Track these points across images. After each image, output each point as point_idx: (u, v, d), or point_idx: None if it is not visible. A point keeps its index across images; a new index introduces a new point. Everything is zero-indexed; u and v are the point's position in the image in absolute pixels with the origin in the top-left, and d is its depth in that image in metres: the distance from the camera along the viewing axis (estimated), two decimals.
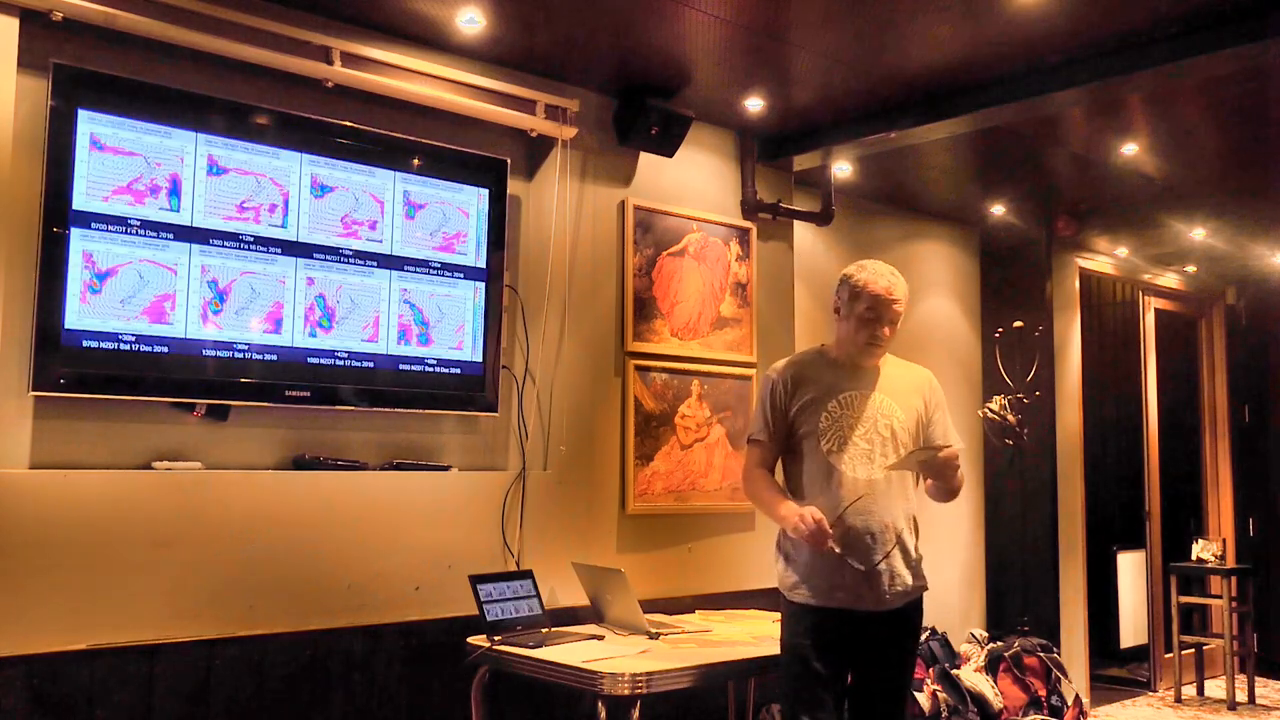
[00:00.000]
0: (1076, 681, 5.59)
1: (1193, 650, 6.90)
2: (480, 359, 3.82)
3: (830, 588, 2.95)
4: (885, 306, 3.01)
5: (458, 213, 3.81)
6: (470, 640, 3.39)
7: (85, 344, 3.05)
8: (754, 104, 4.29)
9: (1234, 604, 6.58)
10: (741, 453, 4.34)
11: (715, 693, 4.11)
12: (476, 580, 3.45)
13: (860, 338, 3.05)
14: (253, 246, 3.35)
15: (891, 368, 3.15)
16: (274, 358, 3.38)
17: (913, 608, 3.04)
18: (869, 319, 3.02)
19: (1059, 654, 5.32)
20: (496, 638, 3.32)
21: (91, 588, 2.97)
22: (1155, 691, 6.75)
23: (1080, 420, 6.43)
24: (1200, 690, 6.80)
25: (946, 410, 3.17)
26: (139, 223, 3.16)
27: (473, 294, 3.83)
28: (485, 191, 3.87)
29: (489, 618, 3.40)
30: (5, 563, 2.85)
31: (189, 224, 3.25)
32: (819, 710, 2.93)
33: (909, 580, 2.99)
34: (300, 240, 3.45)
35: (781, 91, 4.18)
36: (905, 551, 2.99)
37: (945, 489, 3.05)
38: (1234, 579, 6.66)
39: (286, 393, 3.38)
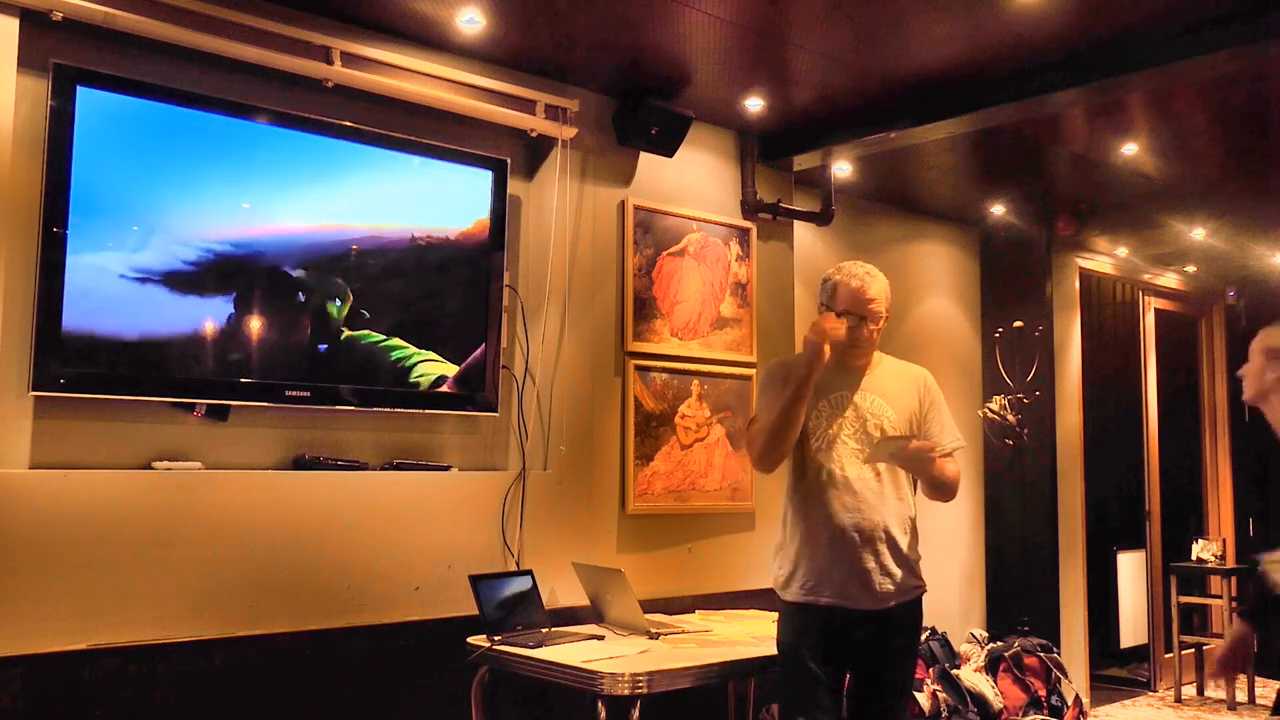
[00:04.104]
0: (1076, 681, 5.59)
1: (1193, 650, 6.90)
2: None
3: (820, 586, 2.95)
4: (860, 304, 3.01)
5: None
6: (470, 640, 3.39)
7: (85, 343, 3.04)
8: (754, 104, 4.29)
9: (1234, 604, 6.57)
10: (741, 454, 4.35)
11: (715, 693, 4.11)
12: (476, 580, 3.45)
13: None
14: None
15: (885, 367, 3.13)
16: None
17: (909, 608, 3.02)
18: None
19: (1059, 654, 5.32)
20: (496, 638, 3.32)
21: (91, 588, 2.97)
22: (1155, 691, 6.75)
23: (1080, 420, 6.43)
24: (1200, 690, 6.79)
25: (944, 409, 3.13)
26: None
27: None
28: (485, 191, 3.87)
29: (489, 618, 3.40)
30: (5, 563, 2.85)
31: None
32: (815, 711, 2.92)
33: (902, 579, 2.97)
34: None
35: (781, 91, 4.18)
36: (897, 550, 2.98)
37: (932, 484, 3.02)
38: (1234, 579, 6.66)
39: (286, 393, 3.38)
